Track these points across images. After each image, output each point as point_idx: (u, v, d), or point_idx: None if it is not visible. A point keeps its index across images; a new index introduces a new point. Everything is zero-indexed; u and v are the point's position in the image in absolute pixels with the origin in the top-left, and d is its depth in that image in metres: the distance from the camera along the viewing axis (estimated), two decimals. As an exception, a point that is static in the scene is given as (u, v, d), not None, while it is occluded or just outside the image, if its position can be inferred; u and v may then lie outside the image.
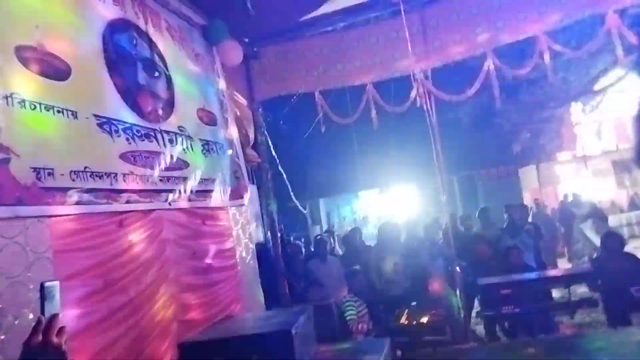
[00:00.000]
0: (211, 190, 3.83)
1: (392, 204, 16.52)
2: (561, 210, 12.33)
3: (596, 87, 13.76)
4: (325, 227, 16.30)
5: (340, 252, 8.04)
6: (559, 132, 15.24)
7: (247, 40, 4.84)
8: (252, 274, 4.41)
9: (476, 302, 5.86)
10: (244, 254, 4.27)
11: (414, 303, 4.98)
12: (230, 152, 4.29)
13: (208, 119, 4.07)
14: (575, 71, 12.09)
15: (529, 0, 4.24)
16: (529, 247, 6.27)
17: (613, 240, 5.21)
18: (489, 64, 4.25)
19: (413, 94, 4.37)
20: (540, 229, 7.16)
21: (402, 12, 4.26)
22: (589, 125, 16.79)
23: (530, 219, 9.27)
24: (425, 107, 4.57)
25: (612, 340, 3.93)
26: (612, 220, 13.00)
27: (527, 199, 15.02)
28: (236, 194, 4.24)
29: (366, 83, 4.83)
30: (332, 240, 8.24)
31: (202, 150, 3.82)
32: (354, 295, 4.88)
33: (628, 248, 6.57)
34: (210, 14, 4.21)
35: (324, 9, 4.38)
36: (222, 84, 4.44)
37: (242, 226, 4.32)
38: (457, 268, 5.52)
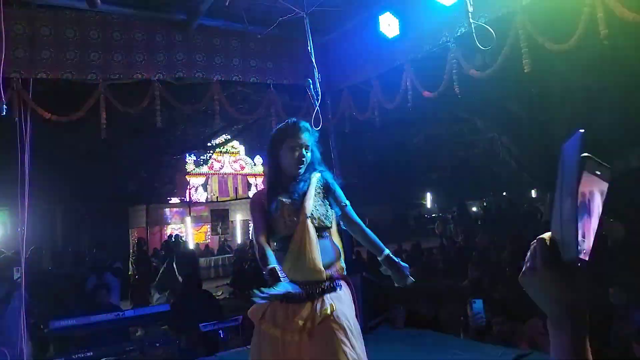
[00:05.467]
0: None
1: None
2: (164, 249, 13.00)
3: (208, 144, 15.70)
4: None
5: None
6: (173, 178, 16.31)
7: None
8: None
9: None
10: None
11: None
12: None
13: None
14: (194, 126, 13.37)
15: (146, 47, 4.34)
16: (115, 287, 6.18)
17: (191, 282, 5.74)
18: (100, 95, 4.04)
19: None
20: (121, 270, 7.26)
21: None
22: (198, 176, 18.85)
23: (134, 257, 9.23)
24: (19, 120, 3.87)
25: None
26: (204, 262, 14.67)
27: (134, 237, 15.18)
28: None
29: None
30: None
31: None
32: None
33: (210, 287, 7.44)
34: None
35: None
36: None
37: None
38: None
